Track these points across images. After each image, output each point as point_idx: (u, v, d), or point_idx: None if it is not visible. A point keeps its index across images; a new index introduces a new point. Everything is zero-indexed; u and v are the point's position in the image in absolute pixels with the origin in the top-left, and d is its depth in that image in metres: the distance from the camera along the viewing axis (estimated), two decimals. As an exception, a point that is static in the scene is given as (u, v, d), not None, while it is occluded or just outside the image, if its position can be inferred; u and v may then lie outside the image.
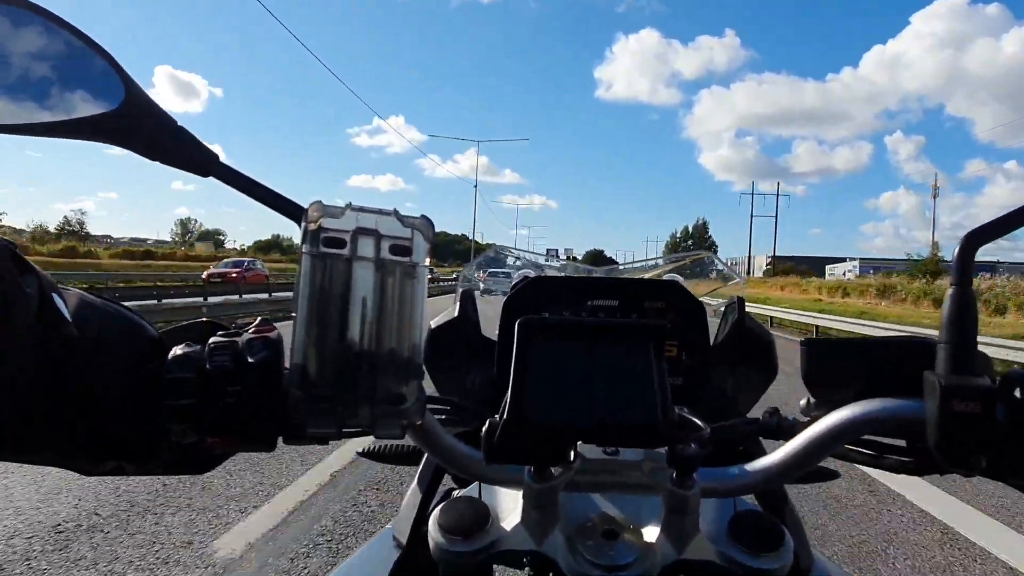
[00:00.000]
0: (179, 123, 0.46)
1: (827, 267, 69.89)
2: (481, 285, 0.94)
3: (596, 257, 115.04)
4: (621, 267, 1.17)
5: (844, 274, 60.95)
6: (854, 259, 72.08)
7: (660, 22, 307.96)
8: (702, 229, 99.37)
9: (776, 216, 72.32)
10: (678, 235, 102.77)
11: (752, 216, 74.15)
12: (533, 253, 1.12)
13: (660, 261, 1.12)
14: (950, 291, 0.45)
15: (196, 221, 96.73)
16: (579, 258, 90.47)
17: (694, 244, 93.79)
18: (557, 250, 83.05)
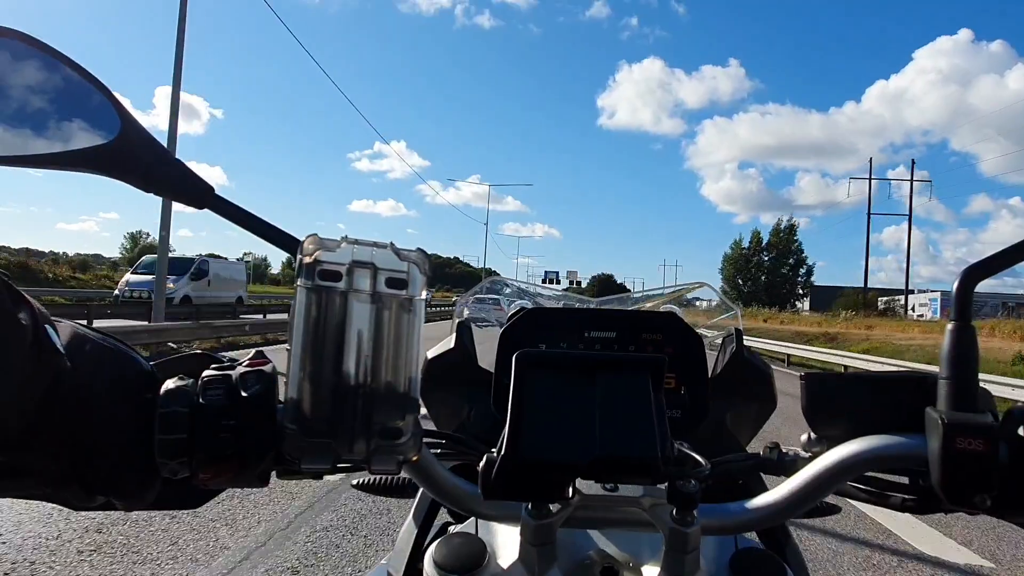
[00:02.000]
0: (175, 156, 0.46)
1: (880, 299, 48.54)
2: (465, 312, 0.93)
3: (604, 283, 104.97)
4: (635, 295, 1.16)
5: (913, 310, 45.84)
6: (925, 291, 51.49)
7: (664, 50, 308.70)
8: (788, 235, 60.03)
9: (910, 215, 46.43)
10: (746, 245, 61.47)
11: (870, 214, 46.67)
12: (532, 284, 1.11)
13: (667, 290, 1.11)
14: (950, 326, 0.45)
15: (147, 235, 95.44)
16: (582, 283, 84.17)
17: (775, 256, 59.23)
18: (557, 273, 77.07)
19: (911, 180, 47.15)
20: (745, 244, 61.50)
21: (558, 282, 77.35)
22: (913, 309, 47.11)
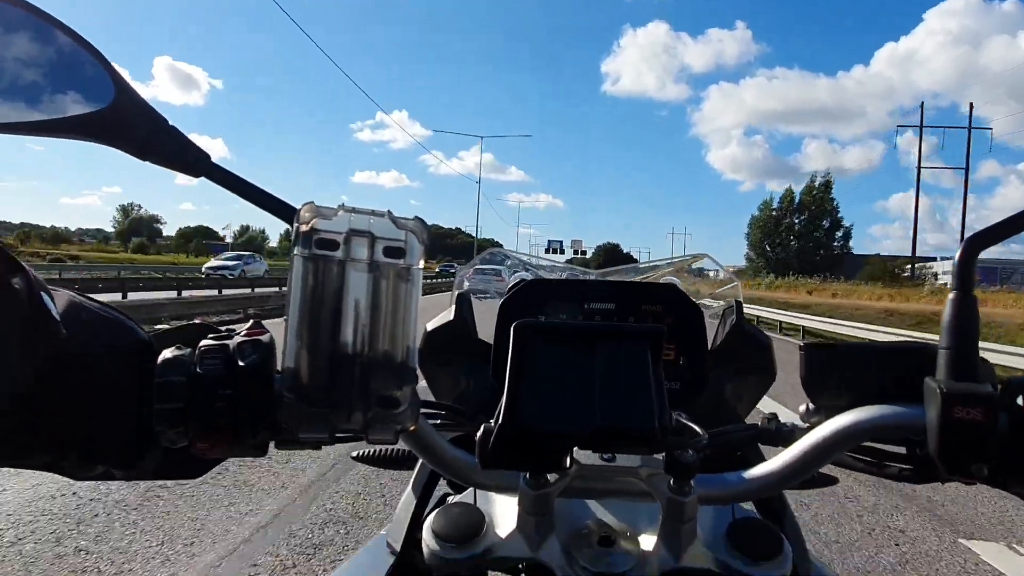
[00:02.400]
0: (171, 123, 0.45)
1: (905, 267, 43.53)
2: (466, 283, 0.93)
3: (610, 253, 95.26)
4: (642, 266, 1.15)
5: (936, 277, 39.85)
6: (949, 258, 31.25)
7: (669, 13, 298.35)
8: (823, 193, 52.05)
9: (967, 168, 40.85)
10: (776, 205, 54.16)
11: (920, 167, 41.78)
12: (534, 256, 1.10)
13: (671, 261, 1.10)
14: (951, 296, 0.45)
15: (138, 207, 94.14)
16: (587, 252, 79.83)
17: (808, 218, 51.94)
18: (560, 242, 72.98)
19: (968, 128, 41.30)
20: (776, 205, 53.85)
21: (562, 252, 73.00)
22: (936, 277, 41.24)
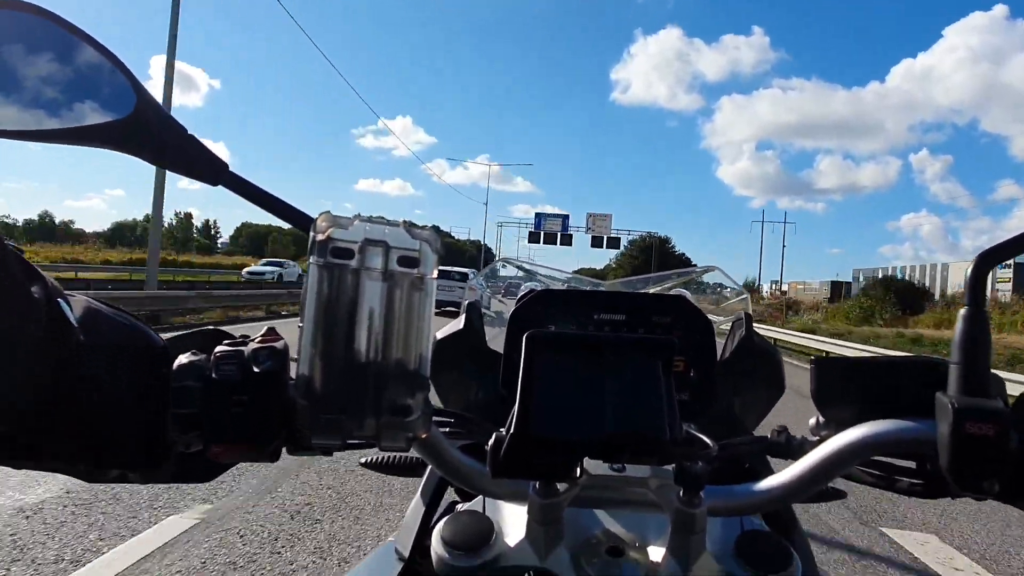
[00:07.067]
0: (189, 131, 0.46)
1: None
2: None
3: (659, 251, 58.71)
4: (651, 277, 1.14)
5: None
6: None
7: (683, 17, 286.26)
8: None
9: None
10: None
11: None
12: (547, 267, 1.10)
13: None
14: (963, 311, 0.45)
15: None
16: (620, 240, 52.87)
17: None
18: (565, 218, 51.37)
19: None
20: None
21: (564, 239, 50.02)
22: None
